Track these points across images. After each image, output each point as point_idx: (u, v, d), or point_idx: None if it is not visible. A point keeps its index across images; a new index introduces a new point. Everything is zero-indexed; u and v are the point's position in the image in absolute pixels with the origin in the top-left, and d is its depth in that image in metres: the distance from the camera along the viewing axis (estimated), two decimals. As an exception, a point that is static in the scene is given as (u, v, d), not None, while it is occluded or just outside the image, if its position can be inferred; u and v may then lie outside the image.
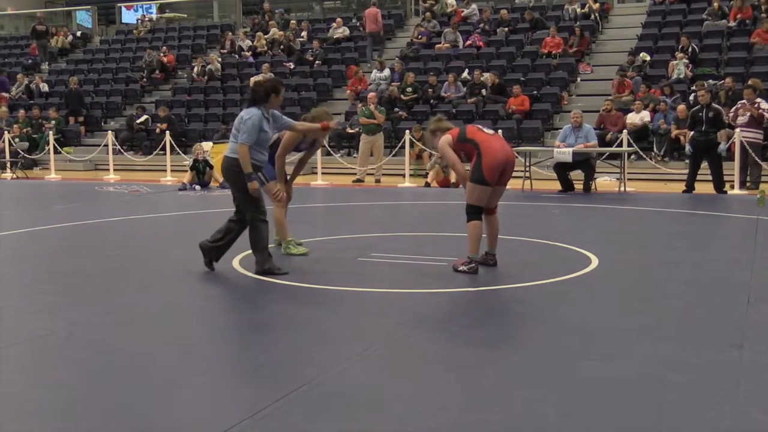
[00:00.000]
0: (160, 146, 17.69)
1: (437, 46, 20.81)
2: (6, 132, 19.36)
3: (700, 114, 12.87)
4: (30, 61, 25.82)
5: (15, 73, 24.78)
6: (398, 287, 6.09)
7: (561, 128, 14.24)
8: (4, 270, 6.99)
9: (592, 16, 20.86)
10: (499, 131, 15.02)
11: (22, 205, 12.69)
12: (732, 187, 12.96)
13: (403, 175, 15.44)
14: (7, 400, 3.78)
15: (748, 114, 13.07)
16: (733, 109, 13.58)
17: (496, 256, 6.93)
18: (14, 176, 18.34)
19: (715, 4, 19.02)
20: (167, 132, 17.40)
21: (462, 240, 7.59)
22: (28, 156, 19.68)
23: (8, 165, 18.65)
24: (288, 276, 6.45)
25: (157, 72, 23.19)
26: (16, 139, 19.71)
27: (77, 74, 23.94)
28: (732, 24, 18.67)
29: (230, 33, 24.26)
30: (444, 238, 8.45)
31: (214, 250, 6.74)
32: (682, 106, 15.31)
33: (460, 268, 6.63)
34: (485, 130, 6.87)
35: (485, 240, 6.89)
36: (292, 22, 24.06)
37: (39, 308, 5.59)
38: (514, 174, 15.60)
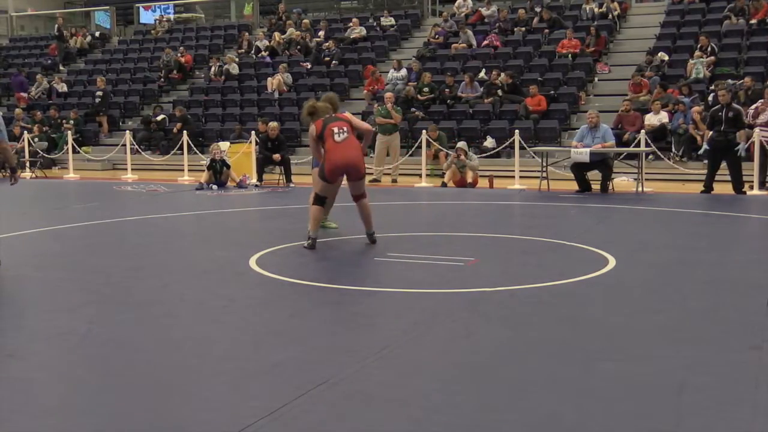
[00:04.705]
0: (178, 146, 17.77)
1: (454, 45, 20.79)
2: (25, 132, 19.52)
3: (720, 113, 12.77)
4: (49, 62, 26.01)
5: (34, 73, 24.97)
6: (415, 287, 6.08)
7: (578, 128, 14.19)
8: (24, 269, 7.04)
9: (610, 16, 20.77)
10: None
11: (42, 204, 12.79)
12: (751, 187, 12.86)
13: (420, 175, 15.44)
14: (27, 397, 3.81)
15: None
16: (752, 107, 13.47)
17: (374, 234, 7.85)
18: (33, 176, 18.48)
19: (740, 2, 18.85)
20: (184, 132, 17.47)
21: (477, 239, 7.59)
22: (47, 156, 19.84)
23: (28, 164, 18.79)
24: (305, 275, 6.47)
25: (174, 72, 23.30)
26: (36, 139, 19.86)
27: (96, 74, 24.10)
28: (753, 22, 18.53)
29: (247, 33, 24.35)
30: (460, 238, 8.43)
31: None
32: (697, 107, 15.21)
33: (305, 244, 7.67)
34: (339, 135, 7.66)
35: (362, 223, 7.92)
36: (305, 21, 24.10)
37: (58, 307, 5.63)
38: (531, 174, 15.58)
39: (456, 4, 23.04)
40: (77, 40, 26.85)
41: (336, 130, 7.69)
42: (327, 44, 22.23)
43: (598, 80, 19.16)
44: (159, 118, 20.43)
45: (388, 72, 20.09)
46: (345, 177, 7.86)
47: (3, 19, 31.16)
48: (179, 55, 23.68)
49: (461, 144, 14.68)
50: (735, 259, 7.23)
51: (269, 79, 20.98)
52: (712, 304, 5.52)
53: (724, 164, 12.80)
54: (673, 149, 15.49)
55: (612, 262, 6.92)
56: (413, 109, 18.26)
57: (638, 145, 14.07)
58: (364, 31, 22.78)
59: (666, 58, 18.11)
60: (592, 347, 4.51)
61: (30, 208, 12.14)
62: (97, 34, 28.16)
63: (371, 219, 7.89)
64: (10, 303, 5.89)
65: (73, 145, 18.70)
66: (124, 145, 18.12)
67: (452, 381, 3.97)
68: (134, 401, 3.72)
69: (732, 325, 4.94)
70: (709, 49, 17.53)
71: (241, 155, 15.87)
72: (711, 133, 12.94)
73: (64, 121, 21.31)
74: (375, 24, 23.46)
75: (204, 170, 15.03)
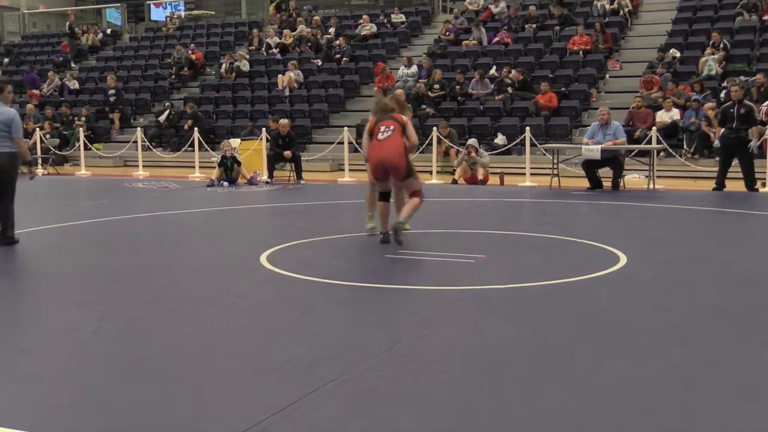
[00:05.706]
0: (189, 143, 17.81)
1: (464, 42, 20.75)
2: (37, 129, 19.60)
3: (732, 110, 12.69)
4: (61, 59, 26.11)
5: (46, 70, 25.07)
6: (425, 284, 6.08)
7: (589, 125, 14.14)
8: (35, 265, 7.08)
9: (621, 12, 20.68)
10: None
11: (53, 200, 12.84)
12: (763, 184, 12.79)
13: (431, 172, 15.43)
14: (37, 393, 3.83)
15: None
16: (765, 104, 13.39)
17: (400, 227, 7.60)
18: (45, 172, 18.56)
19: None
20: (195, 129, 17.51)
21: (488, 236, 7.58)
22: (58, 152, 19.92)
23: (40, 161, 18.87)
24: (316, 272, 6.48)
25: (185, 69, 23.34)
26: (47, 136, 19.94)
27: (107, 71, 24.18)
28: (765, 18, 18.41)
29: (258, 30, 24.37)
30: (471, 235, 8.42)
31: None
32: (709, 104, 15.13)
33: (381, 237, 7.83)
34: (383, 133, 7.75)
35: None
36: (315, 18, 24.12)
37: (68, 303, 5.65)
38: (541, 171, 15.59)
39: (467, 0, 23.00)
40: (89, 37, 26.94)
41: (383, 128, 7.81)
42: (337, 41, 22.24)
43: (610, 77, 19.09)
44: (165, 114, 20.46)
45: (398, 69, 20.08)
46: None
47: (15, 16, 31.31)
48: (190, 52, 23.73)
49: (472, 141, 14.65)
50: (747, 257, 7.20)
51: (280, 76, 21.00)
52: (723, 302, 5.49)
53: (736, 161, 12.74)
54: (685, 146, 15.43)
55: (623, 259, 6.90)
56: (424, 106, 18.25)
57: (649, 142, 14.02)
58: (374, 28, 22.77)
59: (678, 54, 18.03)
60: (603, 344, 4.50)
61: (41, 204, 12.19)
62: (108, 31, 28.24)
63: (409, 211, 7.80)
64: (21, 299, 5.92)
65: (84, 141, 18.78)
66: (136, 142, 18.18)
67: (462, 378, 3.97)
68: (144, 398, 3.73)
69: (744, 322, 4.92)
70: (721, 45, 17.43)
71: (251, 152, 15.89)
72: (723, 130, 12.88)
73: (75, 118, 21.38)
74: (385, 21, 23.45)
75: (215, 167, 15.07)
